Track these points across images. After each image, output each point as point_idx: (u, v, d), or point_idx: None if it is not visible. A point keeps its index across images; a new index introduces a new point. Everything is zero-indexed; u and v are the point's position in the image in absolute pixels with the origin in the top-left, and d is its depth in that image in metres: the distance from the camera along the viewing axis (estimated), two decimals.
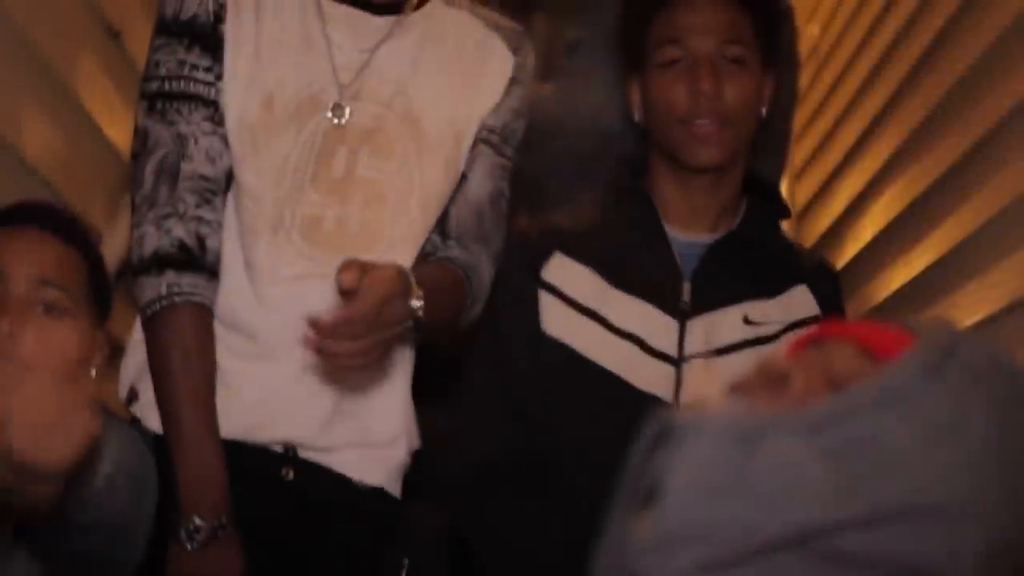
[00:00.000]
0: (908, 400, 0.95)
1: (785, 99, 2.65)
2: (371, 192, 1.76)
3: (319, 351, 1.51)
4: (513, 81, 1.86)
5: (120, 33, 2.40)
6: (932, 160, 2.24)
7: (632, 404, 1.71)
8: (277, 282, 1.74)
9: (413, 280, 1.59)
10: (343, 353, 1.49)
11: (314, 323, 1.49)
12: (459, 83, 1.83)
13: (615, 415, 1.69)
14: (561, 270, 1.80)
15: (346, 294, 1.49)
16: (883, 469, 0.95)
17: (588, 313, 1.78)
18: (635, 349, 1.76)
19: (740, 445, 0.96)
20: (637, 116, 1.85)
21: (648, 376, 1.75)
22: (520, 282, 1.81)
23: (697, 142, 1.76)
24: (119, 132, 2.41)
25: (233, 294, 1.75)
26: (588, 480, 1.70)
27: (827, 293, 1.86)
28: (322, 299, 1.68)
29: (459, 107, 1.82)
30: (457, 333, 1.85)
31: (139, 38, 2.30)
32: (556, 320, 1.79)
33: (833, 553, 0.96)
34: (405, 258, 1.76)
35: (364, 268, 1.50)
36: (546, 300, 1.79)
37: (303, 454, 1.74)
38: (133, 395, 1.76)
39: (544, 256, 1.81)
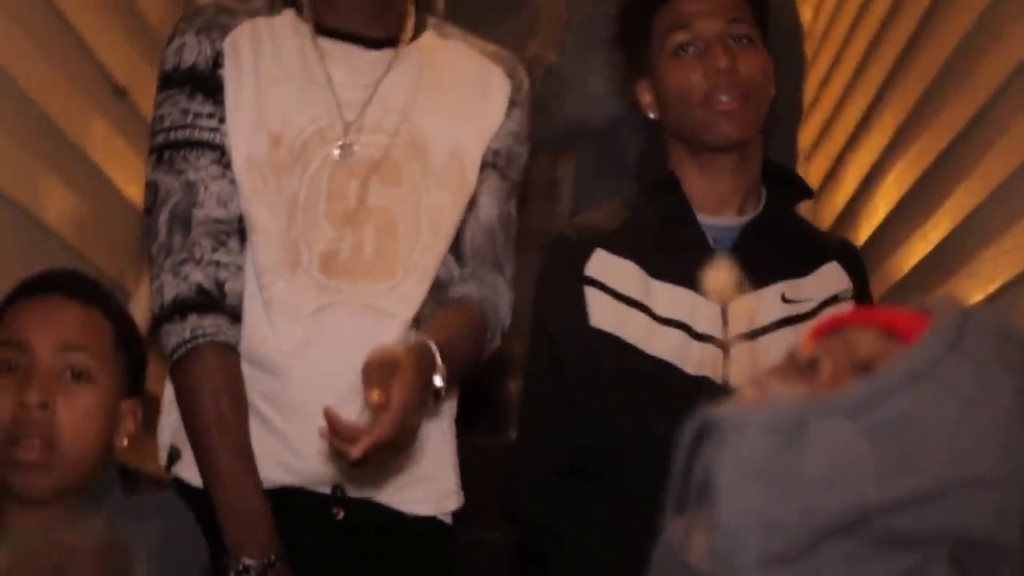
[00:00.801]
0: (935, 374, 0.98)
1: (791, 84, 2.68)
2: (383, 220, 1.77)
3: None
4: (512, 103, 1.88)
5: (127, 89, 2.43)
6: (936, 132, 2.25)
7: (685, 388, 1.75)
8: (298, 319, 1.74)
9: (438, 356, 1.61)
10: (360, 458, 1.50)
11: (332, 423, 1.49)
12: (460, 108, 1.85)
13: (670, 401, 1.73)
14: (603, 265, 1.84)
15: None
16: (925, 444, 0.97)
17: (633, 304, 1.81)
18: (682, 335, 1.79)
19: (784, 433, 0.98)
20: (653, 114, 1.88)
21: (698, 360, 1.78)
22: (564, 282, 1.84)
23: (721, 119, 1.79)
24: (137, 189, 2.44)
25: (257, 336, 1.75)
26: (649, 469, 1.72)
27: (855, 268, 1.88)
28: (342, 330, 1.72)
29: (462, 132, 1.84)
30: (479, 367, 1.87)
31: (147, 93, 2.33)
32: (603, 313, 1.81)
33: (889, 535, 0.98)
34: (421, 285, 1.78)
35: (389, 370, 1.51)
36: (591, 295, 1.82)
37: (352, 492, 1.74)
38: (175, 454, 1.76)
39: (585, 254, 1.84)
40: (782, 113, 2.41)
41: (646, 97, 1.88)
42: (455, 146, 1.82)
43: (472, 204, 1.85)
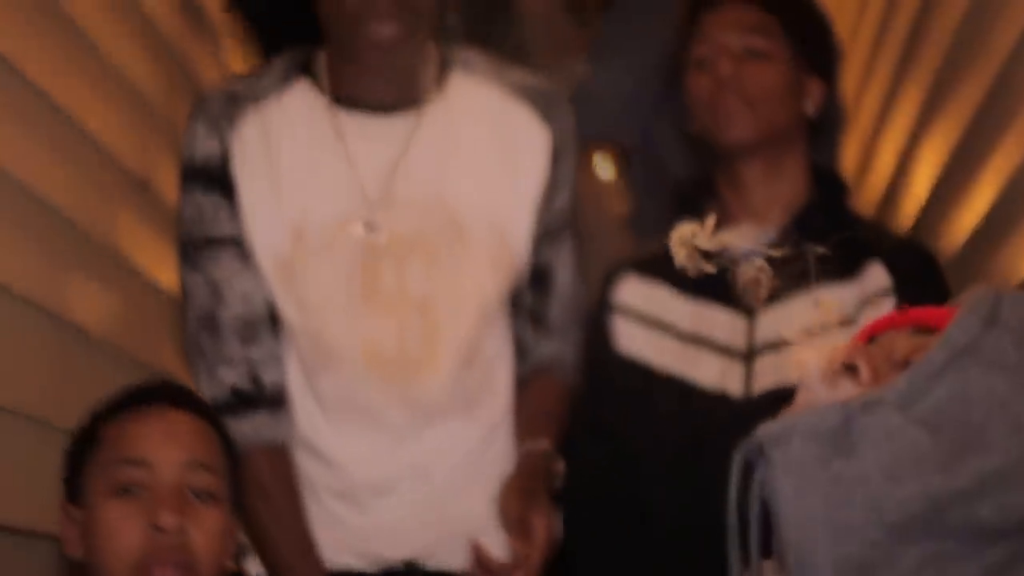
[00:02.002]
0: (977, 350, 0.96)
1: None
2: (427, 307, 1.71)
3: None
4: (556, 155, 1.79)
5: (149, 181, 2.43)
6: (963, 100, 2.21)
7: (702, 405, 1.79)
8: (352, 412, 1.72)
9: (555, 457, 1.69)
10: None
11: (482, 560, 1.62)
12: (496, 174, 1.76)
13: (684, 418, 1.78)
14: (632, 290, 1.88)
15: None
16: (983, 422, 0.95)
17: (658, 325, 1.83)
18: (703, 350, 1.81)
19: (831, 436, 0.96)
20: (695, 129, 1.93)
21: (718, 374, 1.79)
22: (595, 312, 1.89)
23: (724, 120, 1.85)
24: (170, 275, 2.43)
25: (312, 429, 1.73)
26: (668, 484, 1.78)
27: (906, 267, 1.85)
28: (399, 428, 1.70)
29: (500, 200, 1.76)
30: None
31: (170, 179, 2.32)
32: (627, 337, 1.85)
33: (973, 528, 0.95)
34: (466, 365, 1.73)
35: (525, 502, 1.63)
36: (617, 321, 1.86)
37: (427, 565, 1.72)
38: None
39: (614, 281, 1.90)
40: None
41: (691, 114, 1.94)
42: (493, 216, 1.75)
43: (549, 275, 1.81)
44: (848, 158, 3.17)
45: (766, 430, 0.98)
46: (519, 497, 1.64)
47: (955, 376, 0.96)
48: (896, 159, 2.71)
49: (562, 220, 1.81)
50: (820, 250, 1.82)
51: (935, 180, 2.42)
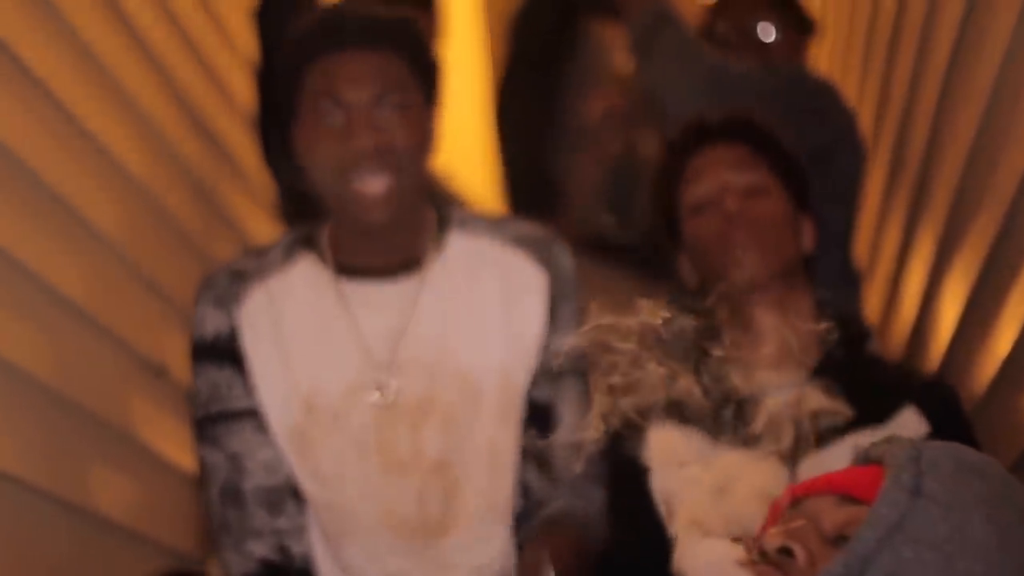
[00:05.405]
0: (906, 527, 0.97)
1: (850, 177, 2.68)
2: (444, 473, 1.71)
3: None
4: (555, 297, 1.80)
5: (165, 367, 2.43)
6: (977, 237, 2.20)
7: None
8: None
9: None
10: None
11: None
12: (498, 322, 1.77)
13: None
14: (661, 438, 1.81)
15: None
16: None
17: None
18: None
19: None
20: (692, 283, 1.89)
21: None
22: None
23: (738, 255, 1.81)
24: (192, 460, 2.42)
25: None
26: None
27: (936, 411, 1.81)
28: None
29: (504, 350, 1.77)
30: None
31: (186, 366, 2.32)
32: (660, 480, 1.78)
33: None
34: (495, 527, 1.72)
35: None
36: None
37: None
38: None
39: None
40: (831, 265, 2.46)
41: (685, 267, 1.89)
42: (503, 372, 1.75)
43: (551, 415, 1.78)
44: (871, 304, 3.15)
45: None
46: (539, 557, 1.56)
47: (888, 556, 0.96)
48: (917, 303, 2.68)
49: (563, 361, 1.78)
50: (851, 394, 1.76)
51: (957, 322, 2.39)
